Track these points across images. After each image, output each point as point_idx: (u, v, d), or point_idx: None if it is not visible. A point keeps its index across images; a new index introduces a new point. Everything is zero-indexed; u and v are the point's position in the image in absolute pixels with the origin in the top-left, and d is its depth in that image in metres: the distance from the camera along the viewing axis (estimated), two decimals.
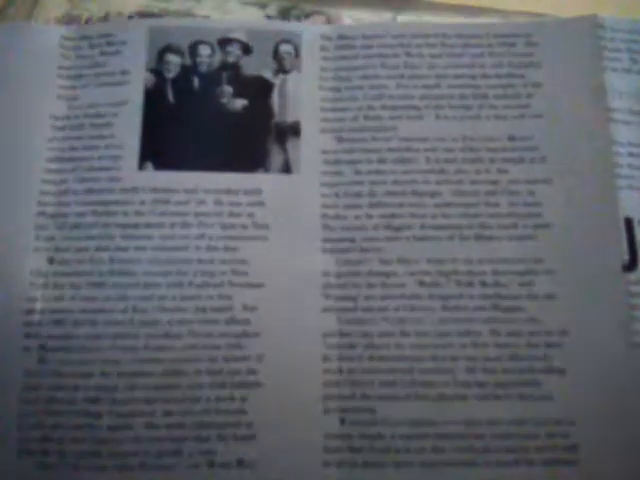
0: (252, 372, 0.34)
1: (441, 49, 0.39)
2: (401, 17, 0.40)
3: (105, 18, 0.41)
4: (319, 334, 0.35)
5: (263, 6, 0.41)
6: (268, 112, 0.38)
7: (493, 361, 0.34)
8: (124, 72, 0.39)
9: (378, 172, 0.38)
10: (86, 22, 0.42)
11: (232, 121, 0.38)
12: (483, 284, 0.35)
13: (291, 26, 0.40)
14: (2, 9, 0.39)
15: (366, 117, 0.38)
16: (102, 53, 0.39)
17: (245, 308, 0.35)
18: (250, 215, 0.37)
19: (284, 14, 0.41)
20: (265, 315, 0.35)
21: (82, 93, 0.38)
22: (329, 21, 0.40)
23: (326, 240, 0.37)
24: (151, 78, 0.38)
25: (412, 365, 0.34)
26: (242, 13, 0.41)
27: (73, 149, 0.38)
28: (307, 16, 0.40)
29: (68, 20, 0.41)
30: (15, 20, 0.40)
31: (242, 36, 0.39)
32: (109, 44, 0.39)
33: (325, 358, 0.35)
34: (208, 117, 0.38)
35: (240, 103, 0.38)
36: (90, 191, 0.37)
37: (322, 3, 0.41)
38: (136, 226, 0.36)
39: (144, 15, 0.41)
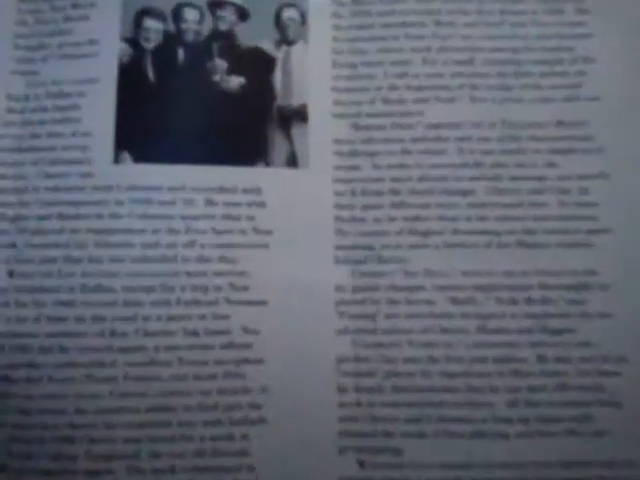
0: (255, 406, 0.29)
1: (476, 17, 0.33)
2: None
3: None
4: (332, 360, 0.30)
5: None
6: (269, 92, 0.32)
7: (539, 392, 0.29)
8: (93, 42, 0.32)
9: (401, 166, 0.32)
10: None
11: (226, 103, 0.31)
12: (528, 301, 0.30)
13: None
14: None
15: (386, 100, 0.32)
16: (66, 18, 0.32)
17: (245, 330, 0.30)
18: (249, 218, 0.31)
19: None
20: (269, 338, 0.30)
21: (43, 67, 0.32)
22: None
23: (339, 248, 0.31)
24: (126, 49, 0.31)
25: (442, 397, 0.29)
26: None
27: (34, 137, 0.31)
28: None
29: None
30: None
31: None
32: (74, 6, 0.32)
33: (340, 388, 0.29)
34: (197, 98, 0.31)
35: (235, 81, 0.32)
36: (56, 189, 0.30)
37: None
38: (112, 232, 0.30)
39: None
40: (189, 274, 0.30)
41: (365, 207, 0.31)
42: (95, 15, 0.32)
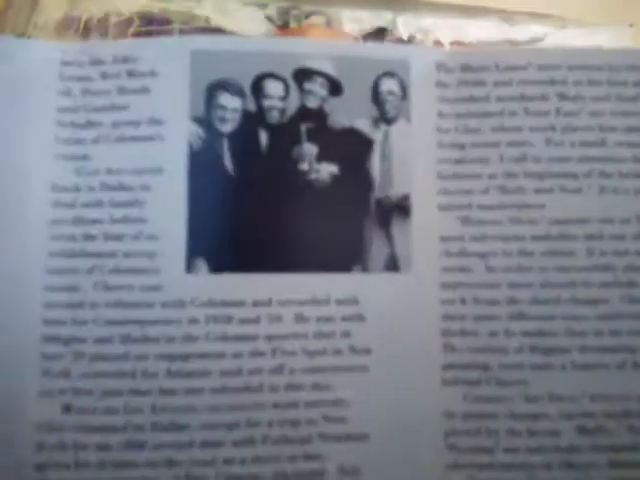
0: None
1: (607, 88, 0.28)
2: (401, 18, 0.39)
3: (105, 19, 0.35)
4: None
5: (263, 6, 0.38)
6: (366, 182, 0.27)
7: None
8: (155, 121, 0.26)
9: (520, 269, 0.27)
10: (86, 24, 0.34)
11: (316, 197, 0.26)
12: None
13: (394, 51, 0.28)
14: (2, 11, 0.36)
15: (503, 189, 0.27)
16: (120, 89, 0.27)
17: (343, 471, 0.25)
18: (345, 335, 0.26)
19: (284, 15, 0.38)
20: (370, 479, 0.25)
21: (95, 151, 0.26)
22: (329, 22, 0.38)
23: (448, 367, 0.26)
24: (197, 132, 0.26)
25: None
26: (242, 13, 0.38)
27: (88, 238, 0.26)
28: (307, 16, 0.38)
29: (67, 22, 0.35)
30: (15, 22, 0.36)
31: (328, 67, 0.27)
32: (130, 75, 0.27)
33: None
34: (282, 191, 0.26)
35: (327, 170, 0.27)
36: (117, 304, 0.25)
37: (322, 3, 0.39)
38: (186, 357, 0.25)
39: (145, 19, 0.34)
40: (277, 406, 0.25)
41: (478, 318, 0.27)
42: (157, 87, 0.26)
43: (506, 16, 0.38)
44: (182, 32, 0.39)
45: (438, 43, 0.39)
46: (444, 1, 0.40)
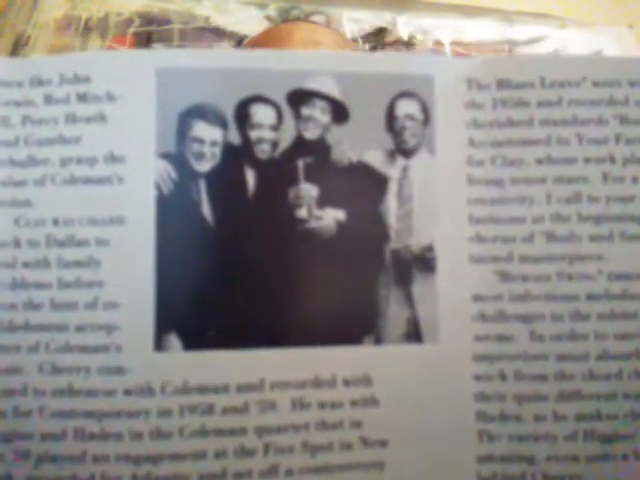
0: None
1: None
2: (401, 18, 0.40)
3: (105, 19, 0.37)
4: None
5: (263, 6, 0.39)
6: (379, 231, 0.21)
7: None
8: (114, 158, 0.21)
9: (572, 337, 0.22)
10: (86, 23, 0.36)
11: (317, 250, 0.21)
12: None
13: (414, 63, 0.22)
14: (2, 11, 0.38)
15: (550, 236, 0.22)
16: (70, 117, 0.21)
17: None
18: (355, 425, 0.21)
19: (284, 14, 0.39)
20: None
21: (38, 196, 0.21)
22: (329, 22, 0.38)
23: (485, 460, 0.21)
24: (167, 171, 0.21)
25: None
26: (242, 13, 0.39)
27: (30, 307, 0.21)
28: (307, 16, 0.39)
29: (67, 22, 0.37)
30: (15, 22, 0.38)
31: (330, 86, 0.21)
32: (82, 98, 0.21)
33: None
34: (275, 245, 0.21)
35: (330, 216, 0.21)
36: (69, 393, 0.20)
37: (322, 3, 0.40)
38: (156, 460, 0.20)
39: (144, 18, 0.36)
40: None
41: (520, 398, 0.22)
42: (116, 114, 0.21)
43: (506, 16, 0.41)
44: (182, 32, 0.38)
45: (438, 43, 0.40)
46: (444, 1, 0.41)
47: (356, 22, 0.40)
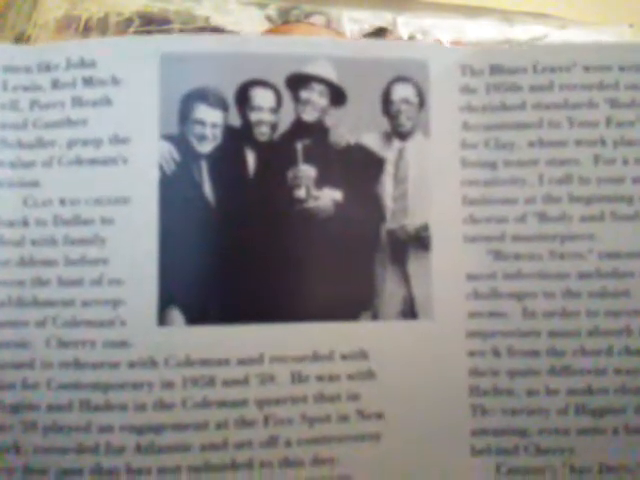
0: None
1: None
2: (401, 18, 0.40)
3: (105, 19, 0.37)
4: None
5: (263, 6, 0.39)
6: (376, 210, 0.22)
7: None
8: (119, 139, 0.22)
9: (564, 315, 0.22)
10: (86, 23, 0.36)
11: (315, 229, 0.22)
12: None
13: (409, 50, 0.23)
14: (2, 11, 0.38)
15: (542, 216, 0.22)
16: (76, 101, 0.22)
17: None
18: (352, 397, 0.22)
19: (284, 14, 0.39)
20: None
21: (45, 177, 0.22)
22: (329, 22, 0.39)
23: (478, 433, 0.22)
24: (170, 152, 0.21)
25: None
26: (242, 13, 0.39)
27: (39, 283, 0.21)
28: (307, 16, 0.39)
29: (67, 22, 0.37)
30: (15, 22, 0.37)
31: (328, 71, 0.22)
32: (87, 82, 0.22)
33: None
34: (274, 224, 0.22)
35: (328, 197, 0.22)
36: (75, 365, 0.21)
37: (322, 3, 0.40)
38: (159, 430, 0.21)
39: (144, 18, 0.36)
40: None
41: (513, 374, 0.22)
42: (121, 98, 0.22)
43: (506, 16, 0.40)
44: (182, 32, 0.38)
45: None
46: (444, 1, 0.41)
47: (356, 22, 0.40)
